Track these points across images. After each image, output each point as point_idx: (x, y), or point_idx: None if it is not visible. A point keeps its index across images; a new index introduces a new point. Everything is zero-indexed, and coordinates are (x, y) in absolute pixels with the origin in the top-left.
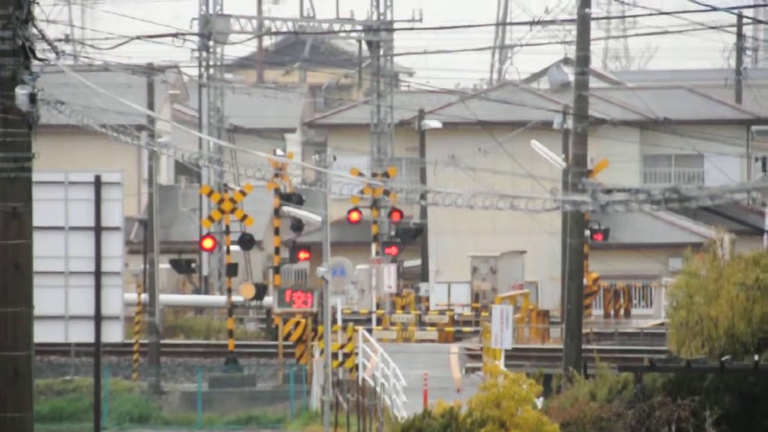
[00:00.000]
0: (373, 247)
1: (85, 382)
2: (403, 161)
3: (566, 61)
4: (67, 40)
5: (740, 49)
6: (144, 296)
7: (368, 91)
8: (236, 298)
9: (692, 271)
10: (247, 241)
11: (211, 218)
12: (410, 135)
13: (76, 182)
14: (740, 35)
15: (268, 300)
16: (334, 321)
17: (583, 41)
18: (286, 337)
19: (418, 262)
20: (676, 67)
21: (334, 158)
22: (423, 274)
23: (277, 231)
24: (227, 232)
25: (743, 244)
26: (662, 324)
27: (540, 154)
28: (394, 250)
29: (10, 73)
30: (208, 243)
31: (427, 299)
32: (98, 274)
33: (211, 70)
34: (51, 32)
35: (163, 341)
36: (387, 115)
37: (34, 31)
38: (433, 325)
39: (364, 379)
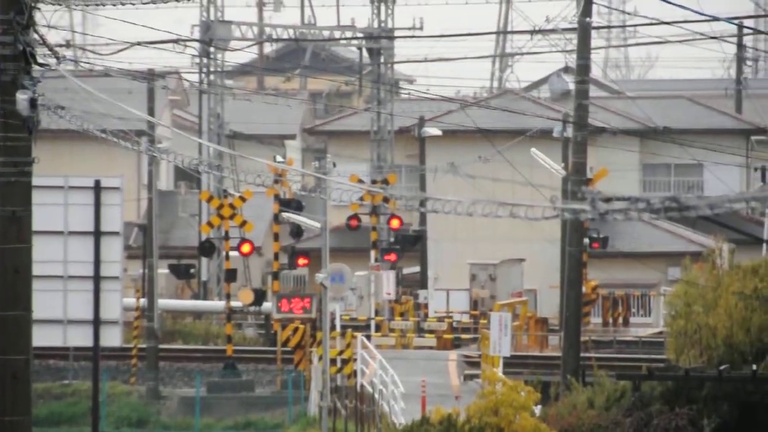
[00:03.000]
0: (372, 253)
1: (84, 386)
2: (402, 168)
3: (566, 69)
4: (67, 45)
5: (740, 60)
6: (143, 301)
7: (368, 98)
8: (235, 303)
9: (691, 280)
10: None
11: (210, 224)
12: (410, 142)
13: (76, 187)
14: (741, 45)
15: (267, 305)
16: (333, 327)
17: (584, 50)
18: (285, 343)
19: (417, 269)
20: (677, 77)
21: (334, 165)
22: (422, 281)
23: (276, 237)
24: (226, 237)
25: (742, 253)
26: (660, 333)
27: (540, 162)
28: (393, 256)
29: (11, 78)
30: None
31: (426, 306)
32: (97, 278)
33: (212, 77)
34: (52, 37)
35: (161, 346)
36: (387, 123)
37: (35, 36)
38: (431, 332)
39: (362, 386)
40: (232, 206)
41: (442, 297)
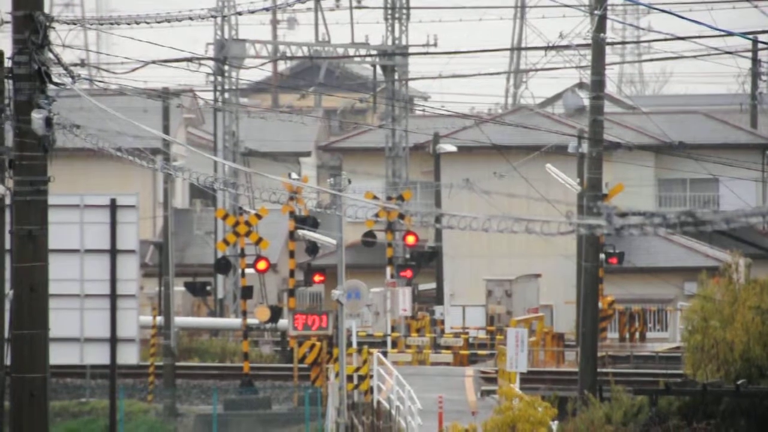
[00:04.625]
0: (388, 270)
1: (101, 404)
2: (418, 185)
3: (581, 85)
4: (82, 64)
5: (755, 74)
6: (159, 319)
7: (383, 115)
8: (251, 320)
9: (707, 295)
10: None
11: (226, 241)
12: (425, 159)
13: (92, 205)
14: (755, 60)
15: (283, 323)
16: (349, 344)
17: (598, 66)
18: (301, 360)
19: (433, 285)
20: (691, 92)
21: (349, 182)
22: (438, 297)
23: (292, 254)
24: (242, 255)
25: (758, 268)
26: (677, 348)
27: (555, 177)
28: (409, 273)
29: (27, 98)
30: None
31: (442, 322)
32: (113, 296)
33: (227, 95)
34: (67, 57)
35: (178, 363)
36: (402, 139)
37: (50, 55)
38: (448, 348)
39: (379, 402)
40: (247, 223)
41: (459, 313)
